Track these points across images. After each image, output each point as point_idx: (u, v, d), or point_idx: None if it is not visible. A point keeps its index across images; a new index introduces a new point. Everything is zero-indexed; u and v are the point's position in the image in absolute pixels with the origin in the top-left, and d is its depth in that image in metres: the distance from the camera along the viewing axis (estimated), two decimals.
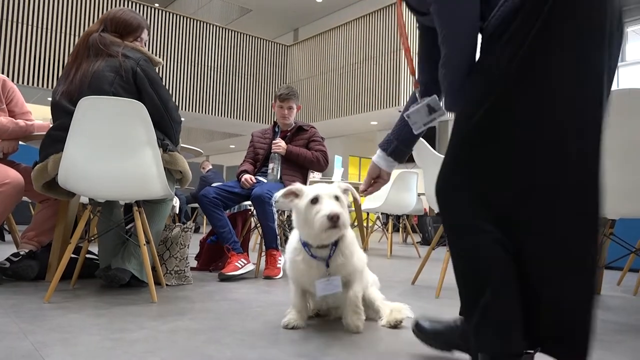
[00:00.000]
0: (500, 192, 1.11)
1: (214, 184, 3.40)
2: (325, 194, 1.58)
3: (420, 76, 1.43)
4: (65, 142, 2.05)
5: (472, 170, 1.14)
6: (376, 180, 1.53)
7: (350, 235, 1.73)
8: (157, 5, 10.18)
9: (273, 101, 3.39)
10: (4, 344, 1.39)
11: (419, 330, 1.39)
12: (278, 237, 3.04)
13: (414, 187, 5.01)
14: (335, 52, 10.58)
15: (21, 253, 2.45)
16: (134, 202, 2.21)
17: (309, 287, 1.73)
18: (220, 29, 10.91)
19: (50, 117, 2.38)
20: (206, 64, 10.57)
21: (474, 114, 1.13)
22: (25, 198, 2.73)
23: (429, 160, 2.71)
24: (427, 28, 1.36)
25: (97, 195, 2.22)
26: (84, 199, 2.55)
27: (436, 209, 2.90)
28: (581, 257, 1.05)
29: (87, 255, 2.51)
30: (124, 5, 9.42)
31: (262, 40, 11.55)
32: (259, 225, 3.07)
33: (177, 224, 2.66)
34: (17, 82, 8.30)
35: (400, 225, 6.72)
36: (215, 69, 10.70)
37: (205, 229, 7.70)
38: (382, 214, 5.88)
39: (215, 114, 10.64)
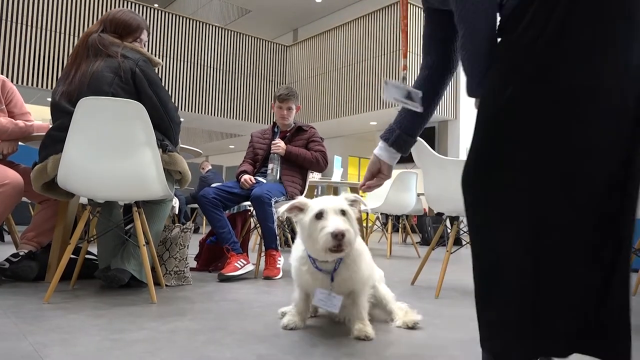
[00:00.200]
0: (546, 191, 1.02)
1: (214, 185, 3.40)
2: (331, 208, 1.48)
3: (425, 59, 1.39)
4: (64, 143, 2.05)
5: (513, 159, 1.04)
6: (376, 175, 1.46)
7: (358, 249, 1.64)
8: (156, 5, 10.17)
9: (272, 101, 3.39)
10: (4, 344, 1.39)
11: None
12: (277, 237, 3.04)
13: (414, 187, 5.01)
14: (334, 53, 10.58)
15: (20, 254, 2.45)
16: (134, 202, 2.21)
17: (309, 291, 1.72)
18: (220, 29, 10.90)
19: (49, 117, 2.38)
20: (205, 64, 10.56)
21: (498, 99, 1.06)
22: (24, 199, 2.73)
23: (429, 160, 2.71)
24: (433, 10, 1.33)
25: (96, 196, 2.22)
26: (84, 200, 2.55)
27: (436, 209, 2.92)
28: (629, 248, 1.00)
29: (87, 256, 2.50)
30: (123, 6, 9.41)
31: (261, 41, 11.55)
32: (258, 225, 3.07)
33: (176, 225, 2.66)
34: (17, 82, 8.29)
35: (400, 225, 6.72)
36: (215, 69, 10.70)
37: (205, 230, 7.70)
38: (381, 214, 5.88)
39: (215, 114, 10.63)
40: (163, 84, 2.35)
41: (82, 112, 2.02)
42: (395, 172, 5.54)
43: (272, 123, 3.49)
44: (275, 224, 2.99)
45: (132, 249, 2.31)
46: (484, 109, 1.11)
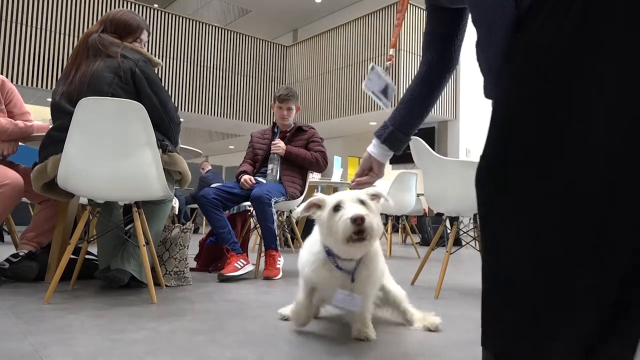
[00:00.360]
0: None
1: (213, 185, 3.41)
2: (348, 199, 1.42)
3: (425, 54, 1.38)
4: (64, 143, 2.05)
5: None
6: (368, 172, 1.44)
7: (375, 249, 1.57)
8: (156, 5, 10.18)
9: (272, 102, 3.39)
10: (4, 345, 1.39)
11: None
12: (277, 237, 3.04)
13: (413, 188, 5.02)
14: (334, 53, 10.58)
15: (20, 254, 2.45)
16: (133, 203, 2.21)
17: (324, 293, 1.62)
18: (220, 29, 10.91)
19: (49, 117, 2.39)
20: (205, 64, 10.56)
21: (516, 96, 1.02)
22: (24, 199, 2.73)
23: (428, 160, 2.71)
24: (437, 7, 1.32)
25: (96, 196, 2.22)
26: (84, 200, 2.55)
27: (435, 210, 2.91)
28: None
29: (87, 256, 2.50)
30: (123, 6, 9.42)
31: (261, 41, 11.55)
32: (258, 225, 3.08)
33: (176, 225, 2.66)
34: (17, 82, 8.29)
35: (400, 225, 6.72)
36: (215, 70, 10.70)
37: (205, 230, 7.70)
38: (381, 214, 5.88)
39: (214, 115, 10.64)
40: (163, 84, 2.35)
41: (82, 112, 2.02)
42: (395, 173, 5.54)
43: (272, 123, 3.49)
44: (275, 224, 2.99)
45: (132, 249, 2.31)
46: (498, 108, 1.09)
